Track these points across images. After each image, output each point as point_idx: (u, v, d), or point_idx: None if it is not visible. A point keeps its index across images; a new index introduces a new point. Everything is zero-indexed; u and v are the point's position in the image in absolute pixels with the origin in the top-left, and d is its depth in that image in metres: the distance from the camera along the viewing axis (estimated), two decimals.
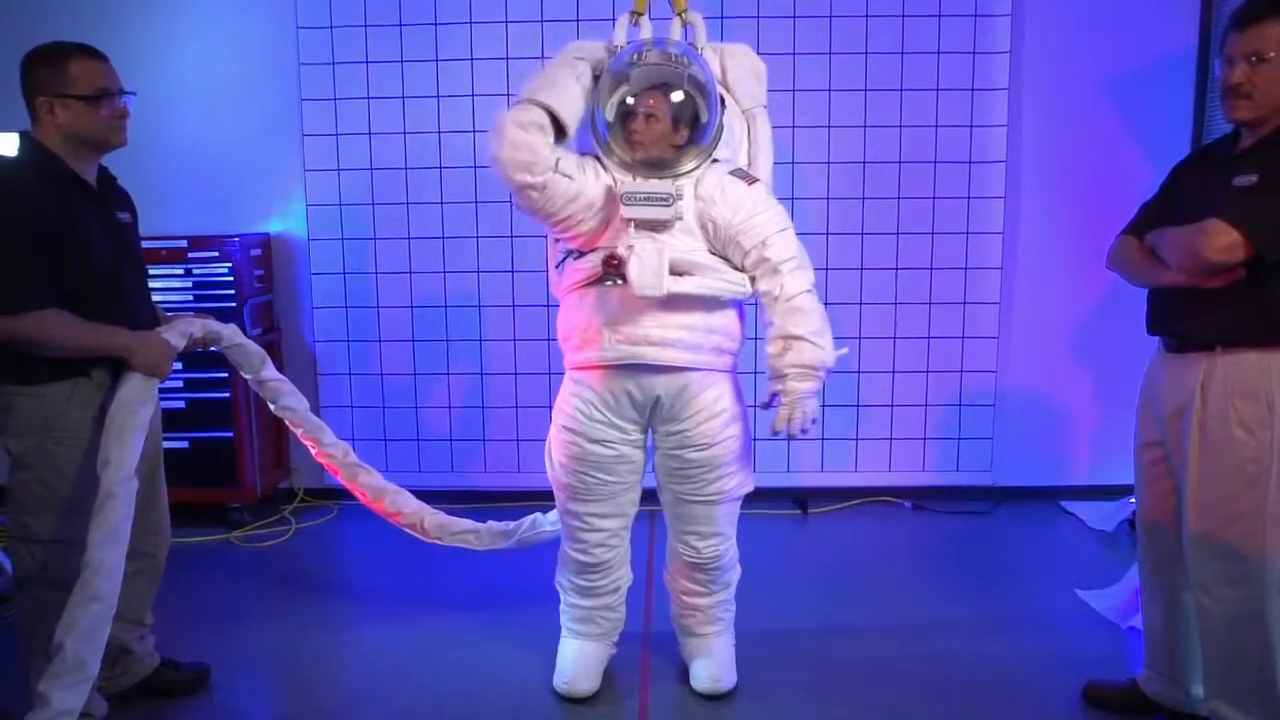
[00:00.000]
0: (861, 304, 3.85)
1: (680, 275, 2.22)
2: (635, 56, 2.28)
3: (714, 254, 2.29)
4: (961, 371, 3.91)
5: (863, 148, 3.76)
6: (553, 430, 2.45)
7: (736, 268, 2.30)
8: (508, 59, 3.75)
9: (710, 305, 2.29)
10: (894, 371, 3.92)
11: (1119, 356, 3.62)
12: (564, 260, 2.37)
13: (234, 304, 3.67)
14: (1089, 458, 3.93)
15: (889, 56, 3.73)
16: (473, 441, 4.00)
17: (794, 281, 2.26)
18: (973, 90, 3.74)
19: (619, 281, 2.23)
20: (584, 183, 2.24)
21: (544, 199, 2.22)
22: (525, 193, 2.22)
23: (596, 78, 2.33)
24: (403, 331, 3.95)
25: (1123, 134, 3.76)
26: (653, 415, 2.36)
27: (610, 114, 2.27)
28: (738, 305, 2.39)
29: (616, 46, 2.41)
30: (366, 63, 3.80)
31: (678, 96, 2.24)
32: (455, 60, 3.77)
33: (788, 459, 3.97)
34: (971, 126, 3.76)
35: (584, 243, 2.31)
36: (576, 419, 2.37)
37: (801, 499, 3.95)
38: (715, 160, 2.33)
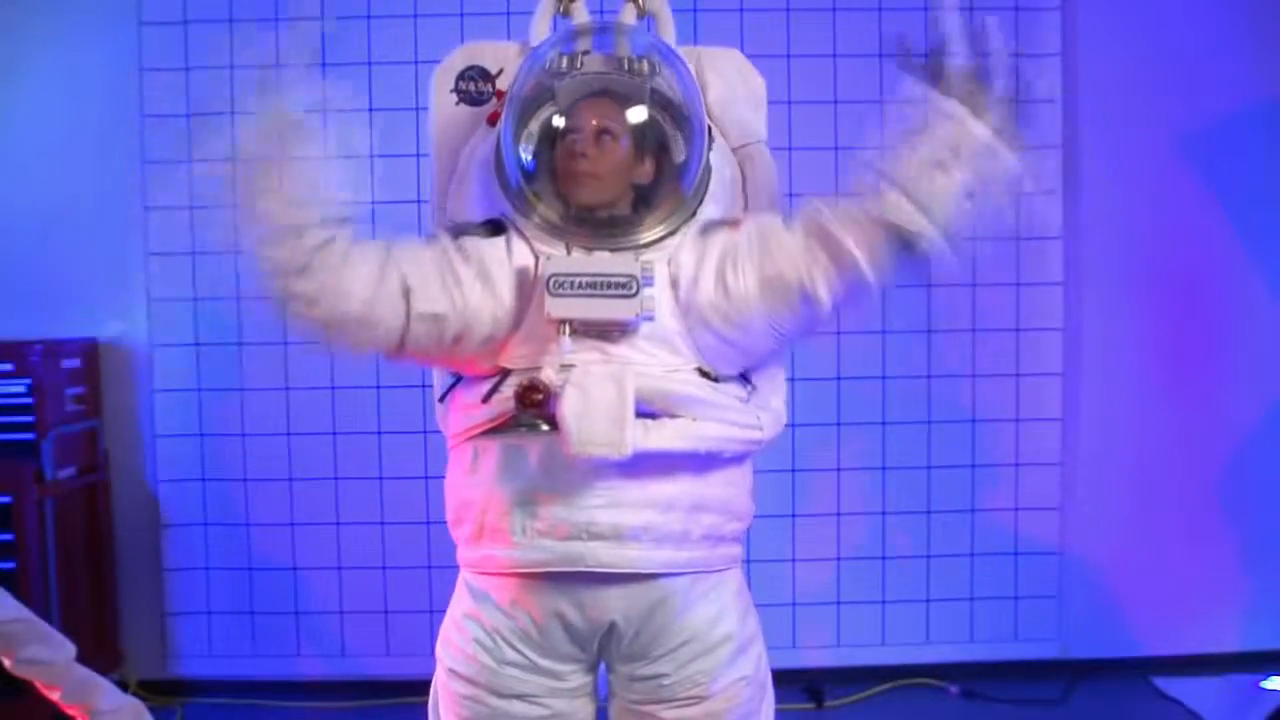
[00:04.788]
0: (885, 424, 3.12)
1: (653, 418, 1.34)
2: (566, 62, 1.43)
3: (707, 375, 1.40)
4: (1016, 510, 3.18)
5: None
6: (439, 676, 1.50)
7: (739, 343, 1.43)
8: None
9: (703, 464, 1.41)
10: (929, 512, 3.17)
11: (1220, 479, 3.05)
12: (451, 389, 1.51)
13: (33, 435, 2.79)
14: (1191, 616, 3.14)
15: None
16: (372, 614, 3.11)
17: None
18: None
19: (543, 428, 1.34)
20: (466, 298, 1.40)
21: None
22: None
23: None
24: (277, 467, 3.11)
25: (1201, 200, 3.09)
26: (605, 647, 1.44)
27: (527, 152, 1.44)
28: (742, 459, 1.49)
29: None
30: (232, 114, 2.98)
31: (638, 116, 1.41)
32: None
33: (793, 631, 3.16)
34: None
35: (481, 364, 1.44)
36: (476, 661, 1.43)
37: (814, 686, 3.10)
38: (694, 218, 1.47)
